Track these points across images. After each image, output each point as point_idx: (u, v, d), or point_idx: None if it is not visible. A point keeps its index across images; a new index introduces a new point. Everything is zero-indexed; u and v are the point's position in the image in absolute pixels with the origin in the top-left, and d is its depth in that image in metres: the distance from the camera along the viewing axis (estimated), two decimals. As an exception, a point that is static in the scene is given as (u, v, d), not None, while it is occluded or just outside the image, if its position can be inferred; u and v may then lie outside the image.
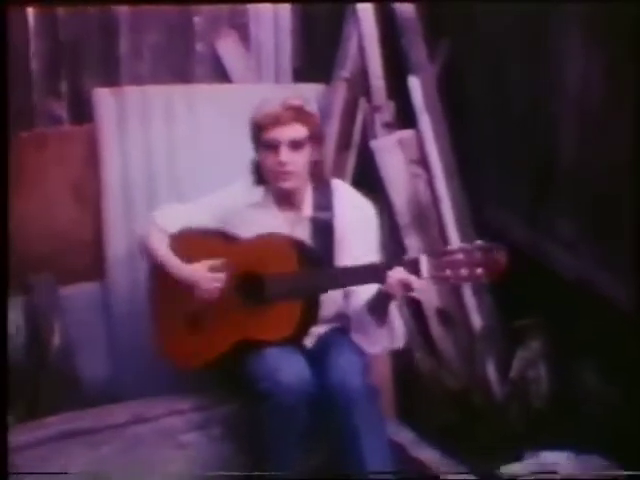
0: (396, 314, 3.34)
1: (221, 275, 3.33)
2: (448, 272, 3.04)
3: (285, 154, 3.29)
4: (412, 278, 3.05)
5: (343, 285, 3.28)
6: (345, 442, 3.20)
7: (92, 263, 4.01)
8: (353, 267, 3.22)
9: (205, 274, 3.34)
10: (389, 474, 3.19)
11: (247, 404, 3.35)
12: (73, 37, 4.13)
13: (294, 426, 3.19)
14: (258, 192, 3.46)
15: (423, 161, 4.26)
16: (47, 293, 3.88)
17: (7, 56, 3.09)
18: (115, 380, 3.94)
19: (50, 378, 3.76)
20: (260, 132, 3.33)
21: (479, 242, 3.04)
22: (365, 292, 3.25)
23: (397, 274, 3.06)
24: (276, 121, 3.28)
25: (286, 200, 3.43)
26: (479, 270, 3.01)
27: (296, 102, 3.34)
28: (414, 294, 3.49)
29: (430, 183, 4.25)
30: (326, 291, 3.31)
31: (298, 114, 3.31)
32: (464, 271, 3.02)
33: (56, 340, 3.80)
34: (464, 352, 4.19)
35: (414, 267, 3.06)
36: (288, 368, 3.16)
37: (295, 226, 3.41)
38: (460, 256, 3.02)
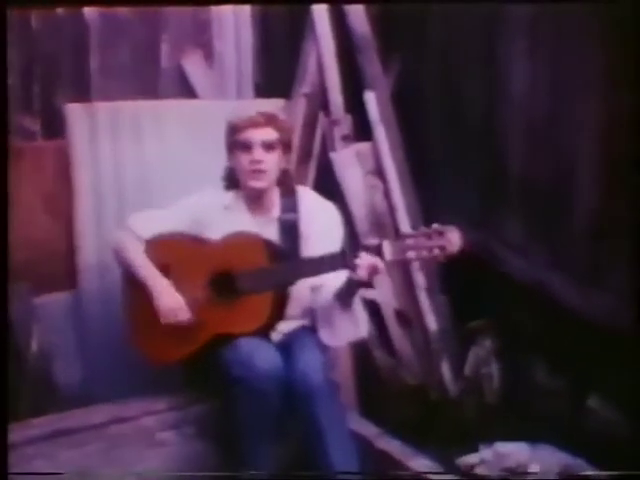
0: (359, 305, 3.50)
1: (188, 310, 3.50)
2: (409, 254, 3.21)
3: (258, 153, 3.48)
4: (377, 261, 3.20)
5: (311, 274, 3.40)
6: (309, 435, 3.36)
7: (65, 272, 4.10)
8: (319, 257, 3.36)
9: (180, 304, 3.50)
10: (358, 475, 3.36)
11: (221, 394, 3.46)
12: (45, 54, 4.22)
13: (267, 411, 3.33)
14: (229, 196, 3.64)
15: (379, 172, 4.45)
16: (23, 302, 3.94)
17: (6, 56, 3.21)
18: (89, 384, 4.04)
19: (29, 383, 3.85)
20: (235, 134, 3.52)
21: (435, 225, 3.21)
22: (331, 286, 3.40)
23: (363, 258, 3.21)
24: (250, 123, 3.49)
25: (256, 203, 3.60)
26: (436, 251, 3.18)
27: (270, 110, 3.57)
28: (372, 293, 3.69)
29: (386, 192, 4.44)
30: (295, 282, 3.47)
31: (271, 119, 3.52)
32: (423, 252, 3.20)
33: (34, 346, 3.90)
34: (420, 351, 4.36)
35: (377, 252, 3.22)
36: (261, 354, 3.33)
37: (264, 228, 3.57)
38: (418, 240, 3.20)
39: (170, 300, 3.50)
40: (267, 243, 3.50)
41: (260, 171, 3.51)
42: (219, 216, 3.59)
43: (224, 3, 4.50)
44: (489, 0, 4.18)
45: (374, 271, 3.22)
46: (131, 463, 3.56)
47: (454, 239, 3.18)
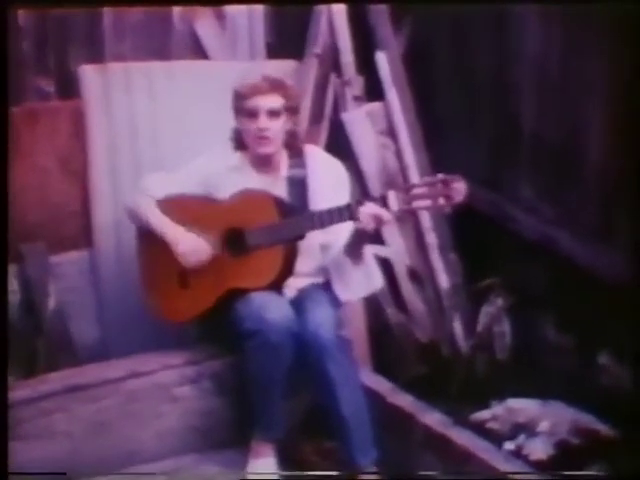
0: (371, 258, 3.55)
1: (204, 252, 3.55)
2: (414, 204, 3.24)
3: (264, 121, 3.51)
4: (383, 211, 3.22)
5: (319, 227, 3.41)
6: (321, 390, 3.42)
7: (81, 232, 4.13)
8: (326, 210, 3.38)
9: (200, 244, 3.55)
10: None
11: (236, 348, 3.49)
12: (59, 18, 4.23)
13: (279, 365, 3.38)
14: (237, 156, 3.67)
15: (391, 132, 4.47)
16: (39, 261, 4.00)
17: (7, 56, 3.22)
18: (106, 341, 4.09)
19: (46, 339, 3.90)
20: (241, 101, 3.54)
21: (440, 175, 3.23)
22: (341, 242, 3.44)
23: (369, 209, 3.24)
24: (256, 91, 3.51)
25: (264, 164, 3.64)
26: (441, 200, 3.21)
27: (275, 75, 3.58)
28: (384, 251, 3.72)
29: (398, 152, 4.47)
30: (304, 235, 3.48)
31: (277, 86, 3.54)
32: (428, 202, 3.23)
33: (51, 304, 3.95)
34: (432, 308, 4.40)
35: (383, 202, 3.24)
36: (272, 306, 3.38)
37: (272, 186, 3.61)
38: (423, 189, 3.23)
39: (189, 242, 3.55)
40: (276, 200, 3.54)
41: (266, 138, 3.54)
42: (228, 176, 3.63)
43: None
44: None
45: (379, 221, 3.24)
46: (148, 418, 3.61)
47: (459, 188, 3.21)
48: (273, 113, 3.53)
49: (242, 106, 3.55)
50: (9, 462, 2.99)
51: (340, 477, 3.46)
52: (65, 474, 3.41)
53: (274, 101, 3.53)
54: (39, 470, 3.38)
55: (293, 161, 3.68)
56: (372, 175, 4.42)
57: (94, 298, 4.14)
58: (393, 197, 3.24)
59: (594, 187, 3.98)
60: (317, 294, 3.56)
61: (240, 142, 3.66)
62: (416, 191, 3.24)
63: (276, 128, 3.55)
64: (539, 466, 3.40)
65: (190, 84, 4.26)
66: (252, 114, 3.53)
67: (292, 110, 3.61)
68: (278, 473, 3.52)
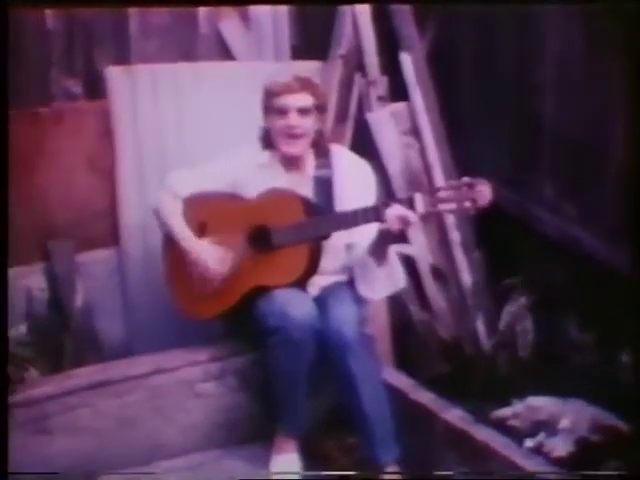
0: (395, 258, 3.55)
1: (228, 262, 3.60)
2: (440, 207, 3.25)
3: (294, 119, 3.56)
4: (409, 213, 3.23)
5: (345, 227, 3.44)
6: (343, 387, 3.44)
7: (107, 231, 4.19)
8: (353, 210, 3.40)
9: (219, 257, 3.60)
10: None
11: (260, 345, 3.53)
12: (86, 19, 4.29)
13: (302, 362, 3.41)
14: (265, 155, 3.71)
15: (415, 131, 4.49)
16: (66, 259, 4.06)
17: (7, 57, 3.22)
18: (131, 338, 4.15)
19: (73, 336, 3.94)
20: (272, 99, 3.59)
21: (466, 178, 3.23)
22: (366, 242, 3.45)
23: (395, 210, 3.25)
24: (287, 89, 3.55)
25: (291, 163, 3.68)
26: (467, 203, 3.21)
27: (305, 74, 3.63)
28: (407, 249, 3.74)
29: (421, 152, 4.48)
30: (329, 235, 3.51)
31: (306, 85, 3.58)
32: (454, 205, 3.23)
33: (78, 301, 4.01)
34: (455, 306, 4.42)
35: (409, 204, 3.25)
36: (296, 303, 3.41)
37: (299, 185, 3.65)
38: (449, 192, 3.23)
39: (209, 257, 3.60)
40: (303, 200, 3.57)
41: (295, 136, 3.59)
42: (255, 174, 3.67)
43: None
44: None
45: (405, 223, 3.25)
46: (172, 413, 3.66)
47: (484, 191, 3.21)
48: (303, 111, 3.57)
49: (272, 104, 3.59)
50: (31, 457, 3.06)
51: (362, 477, 3.49)
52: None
53: (304, 99, 3.57)
54: (66, 465, 3.45)
55: (320, 161, 3.72)
56: (396, 174, 4.44)
57: (120, 296, 4.20)
58: (419, 199, 3.25)
59: (616, 186, 3.97)
60: (341, 292, 3.59)
61: (268, 141, 3.69)
62: (442, 194, 3.25)
63: (306, 126, 3.60)
64: (560, 463, 3.39)
65: (216, 85, 4.30)
66: (282, 112, 3.57)
67: (320, 109, 3.66)
68: (300, 473, 3.54)
